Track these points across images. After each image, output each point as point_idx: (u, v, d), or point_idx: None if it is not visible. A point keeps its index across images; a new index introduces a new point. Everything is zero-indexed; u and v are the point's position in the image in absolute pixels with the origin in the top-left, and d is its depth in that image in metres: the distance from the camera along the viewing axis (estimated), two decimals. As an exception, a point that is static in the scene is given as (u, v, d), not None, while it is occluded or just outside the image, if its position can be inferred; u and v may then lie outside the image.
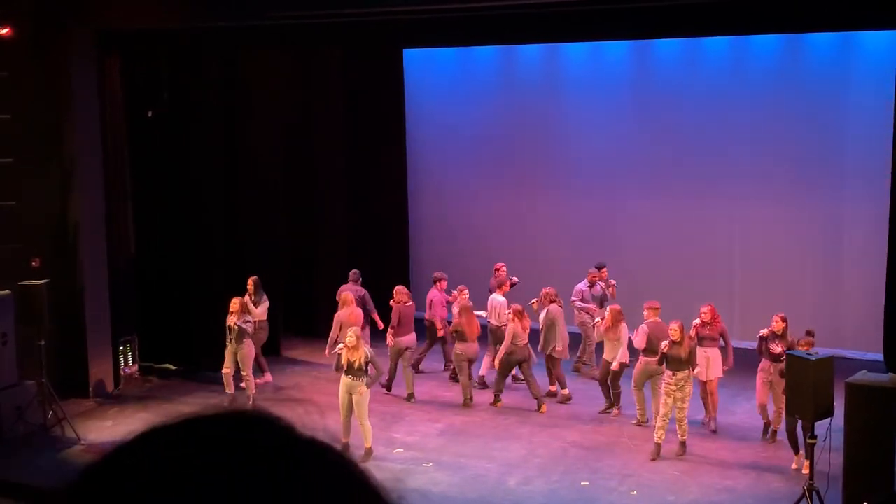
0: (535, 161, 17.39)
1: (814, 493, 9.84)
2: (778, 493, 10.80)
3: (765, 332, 11.85)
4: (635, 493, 10.88)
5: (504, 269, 14.90)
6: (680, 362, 11.50)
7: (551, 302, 13.57)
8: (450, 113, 17.91)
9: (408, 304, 14.00)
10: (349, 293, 13.98)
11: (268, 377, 14.41)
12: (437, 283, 14.83)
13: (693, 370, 11.80)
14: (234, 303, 13.19)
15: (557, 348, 13.45)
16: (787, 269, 15.67)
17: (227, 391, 13.34)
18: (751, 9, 13.13)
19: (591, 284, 14.47)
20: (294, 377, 15.07)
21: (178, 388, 14.41)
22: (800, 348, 10.93)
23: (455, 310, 13.88)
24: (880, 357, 14.16)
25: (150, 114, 15.45)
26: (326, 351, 13.55)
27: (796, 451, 11.27)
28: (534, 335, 13.66)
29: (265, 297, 14.18)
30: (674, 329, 11.60)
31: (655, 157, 16.52)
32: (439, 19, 14.31)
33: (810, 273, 15.60)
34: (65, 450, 12.38)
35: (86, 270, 14.04)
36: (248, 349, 13.24)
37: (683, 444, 11.75)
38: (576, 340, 14.59)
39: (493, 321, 13.95)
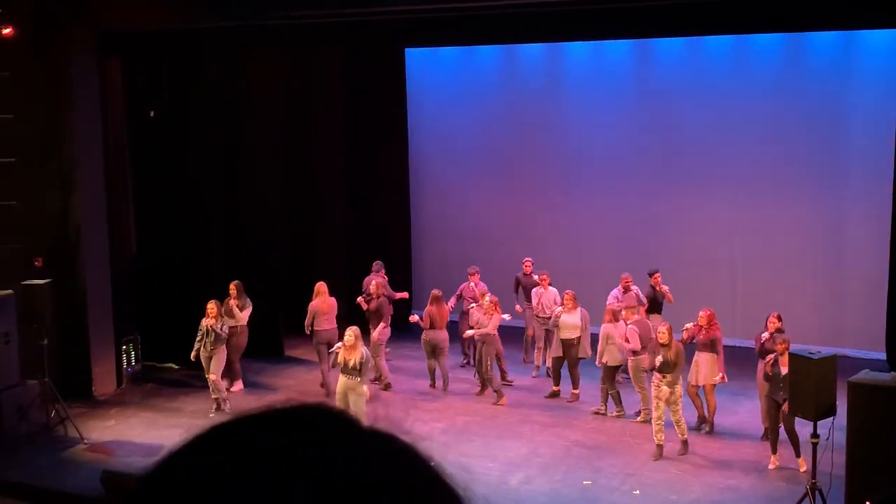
0: (536, 160, 17.38)
1: (816, 492, 9.84)
2: (780, 493, 10.79)
3: (766, 335, 11.81)
4: (637, 492, 10.88)
5: (530, 264, 15.13)
6: (667, 365, 11.46)
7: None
8: (451, 112, 17.91)
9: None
10: (323, 284, 14.24)
11: (238, 385, 14.14)
12: (471, 278, 15.02)
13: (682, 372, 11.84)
14: (212, 307, 13.06)
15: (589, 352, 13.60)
16: (789, 268, 15.66)
17: (222, 395, 13.31)
18: (753, 8, 13.11)
19: (626, 290, 14.29)
20: (296, 375, 15.06)
21: (180, 388, 14.40)
22: (779, 348, 10.95)
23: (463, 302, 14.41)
24: (883, 356, 14.16)
25: (152, 114, 15.45)
26: (306, 329, 13.97)
27: (774, 451, 11.36)
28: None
29: (249, 301, 14.04)
30: (662, 332, 11.57)
31: (657, 156, 16.51)
32: (441, 18, 14.30)
33: (813, 272, 15.58)
34: (67, 449, 12.38)
35: (88, 270, 14.05)
36: (222, 354, 13.15)
37: (685, 443, 11.75)
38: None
39: (540, 314, 14.29)
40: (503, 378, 14.17)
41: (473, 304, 14.19)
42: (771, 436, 11.44)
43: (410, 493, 1.03)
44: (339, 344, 11.95)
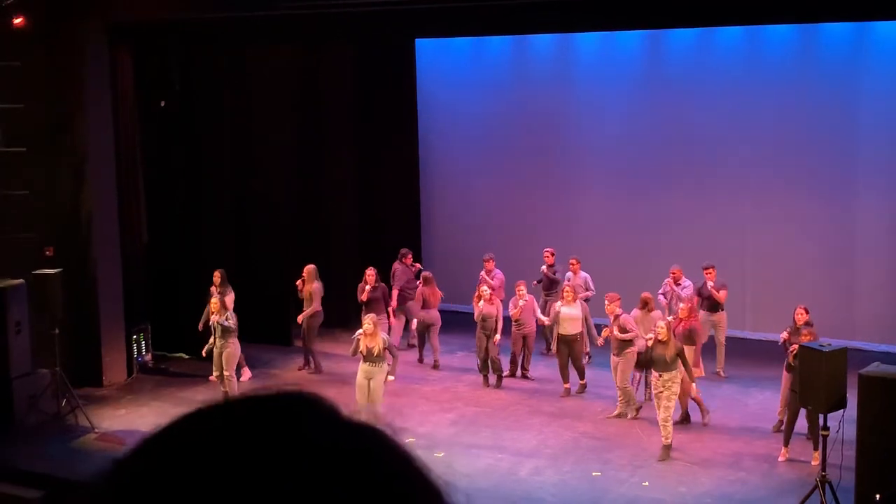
0: (547, 152, 17.34)
1: (826, 485, 9.82)
2: (790, 485, 10.78)
3: (786, 333, 11.78)
4: (647, 484, 10.87)
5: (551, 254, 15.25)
6: (665, 363, 11.32)
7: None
8: (462, 103, 17.87)
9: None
10: (313, 266, 14.59)
11: (247, 374, 14.15)
12: (486, 264, 15.17)
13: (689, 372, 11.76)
14: (214, 302, 13.03)
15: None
16: (799, 261, 15.60)
17: (221, 390, 13.32)
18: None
19: (676, 283, 14.21)
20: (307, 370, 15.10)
21: (190, 377, 14.44)
22: (803, 338, 10.90)
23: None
24: (894, 349, 14.12)
25: (162, 104, 15.47)
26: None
27: (786, 443, 11.35)
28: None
29: (230, 289, 14.04)
30: (661, 328, 11.45)
31: (668, 148, 16.46)
32: (452, 9, 14.26)
33: (824, 264, 15.53)
34: (78, 438, 12.44)
35: (99, 259, 14.09)
36: (234, 348, 13.09)
37: (667, 448, 11.45)
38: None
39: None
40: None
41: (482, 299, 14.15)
42: (786, 428, 11.39)
43: (390, 486, 0.99)
44: (359, 332, 12.00)
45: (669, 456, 11.44)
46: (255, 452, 0.97)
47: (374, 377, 11.91)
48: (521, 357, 14.18)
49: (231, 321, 12.98)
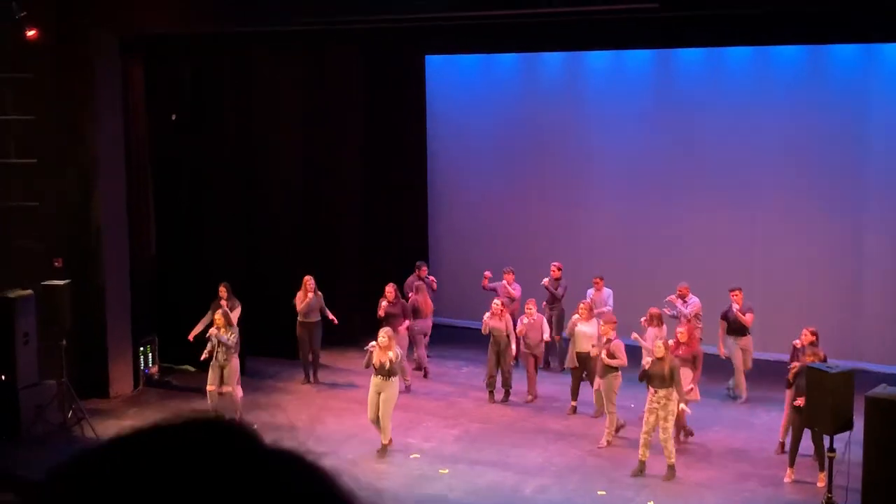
0: (555, 169, 17.37)
1: (832, 506, 9.80)
2: (796, 506, 10.75)
3: (797, 342, 11.77)
4: (652, 503, 10.85)
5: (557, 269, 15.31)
6: (662, 380, 11.27)
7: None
8: (470, 120, 17.92)
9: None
10: (311, 278, 14.77)
11: (238, 391, 13.89)
12: (505, 277, 15.34)
13: (684, 392, 11.72)
14: (218, 317, 13.04)
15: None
16: (808, 281, 15.58)
17: (237, 406, 13.30)
18: (774, 19, 13.10)
19: (682, 298, 14.28)
20: (322, 376, 15.09)
21: (196, 390, 14.44)
22: (808, 359, 10.88)
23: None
24: (901, 370, 14.08)
25: (173, 117, 15.54)
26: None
27: (791, 464, 11.30)
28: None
29: (238, 302, 14.07)
30: (658, 346, 11.43)
31: (676, 167, 16.48)
32: (461, 26, 14.33)
33: (831, 285, 15.51)
34: (84, 450, 12.41)
35: (107, 271, 14.13)
36: (235, 363, 13.11)
37: (672, 467, 11.43)
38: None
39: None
40: (506, 393, 14.17)
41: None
42: (791, 448, 11.36)
43: None
44: (373, 344, 12.00)
45: (675, 475, 11.41)
46: (170, 486, 0.95)
47: (384, 391, 11.92)
48: (536, 373, 14.08)
49: (233, 338, 12.98)
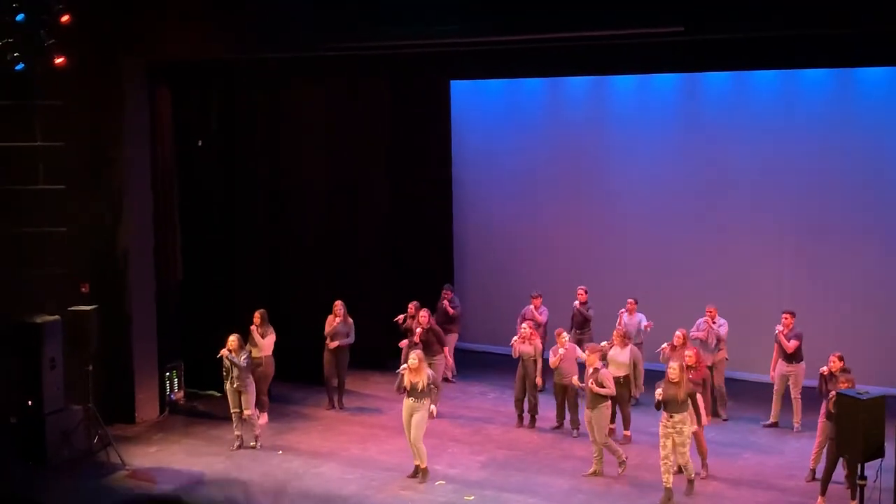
0: (580, 194, 17.32)
1: (864, 535, 9.63)
2: (827, 535, 10.58)
3: (825, 369, 11.61)
4: (680, 531, 10.70)
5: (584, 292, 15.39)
6: (677, 404, 11.15)
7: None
8: (496, 144, 17.92)
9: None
10: (341, 303, 14.77)
11: (263, 419, 13.91)
12: (533, 301, 15.37)
13: (701, 417, 11.61)
14: (232, 339, 13.03)
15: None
16: (838, 306, 15.42)
17: (235, 433, 13.33)
18: (800, 43, 13.02)
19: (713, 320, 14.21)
20: (346, 402, 15.06)
21: (221, 416, 14.44)
22: (841, 385, 10.72)
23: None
24: (933, 397, 13.86)
25: (200, 143, 15.62)
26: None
27: (823, 493, 11.14)
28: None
29: (272, 329, 14.04)
30: (673, 368, 11.26)
31: (702, 191, 16.39)
32: (487, 52, 14.34)
33: (861, 309, 15.33)
34: (109, 475, 12.44)
35: (134, 297, 14.18)
36: (251, 388, 13.12)
37: (691, 482, 11.45)
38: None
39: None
40: (532, 419, 14.06)
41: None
42: (823, 477, 11.18)
43: None
44: (404, 366, 12.00)
45: (694, 489, 11.41)
46: None
47: (416, 412, 11.90)
48: (564, 408, 13.84)
49: (243, 359, 12.98)
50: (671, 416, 11.19)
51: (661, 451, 11.34)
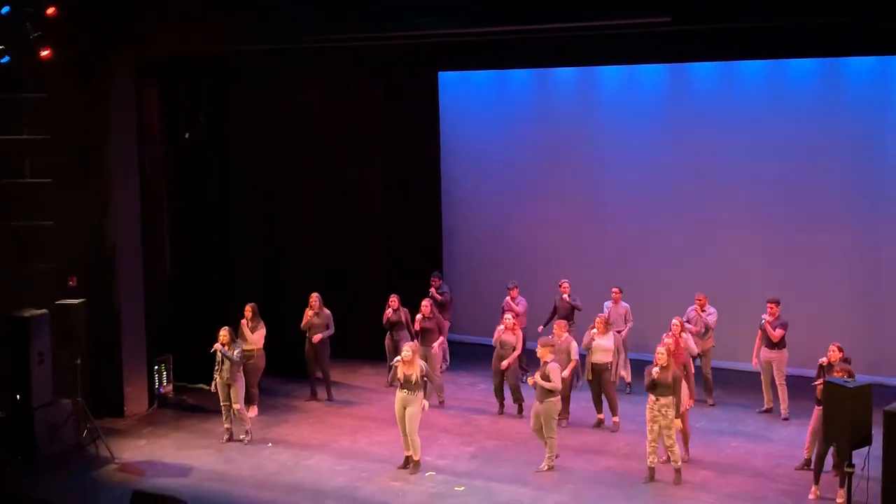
0: (568, 184, 17.34)
1: (852, 522, 9.68)
2: (815, 523, 10.64)
3: (823, 360, 11.66)
4: (669, 520, 10.76)
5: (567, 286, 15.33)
6: (665, 387, 11.36)
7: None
8: (484, 135, 17.92)
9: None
10: (316, 295, 14.71)
11: (253, 411, 13.94)
12: (510, 293, 15.43)
13: (683, 400, 11.72)
14: (223, 332, 13.02)
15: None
16: (825, 295, 15.48)
17: (224, 425, 13.31)
18: (787, 32, 13.05)
19: (702, 309, 14.31)
20: (336, 394, 15.07)
21: (211, 409, 14.44)
22: (836, 375, 10.77)
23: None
24: (920, 385, 13.96)
25: (187, 136, 15.58)
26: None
27: (816, 481, 11.20)
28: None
29: (262, 324, 14.04)
30: (661, 353, 11.46)
31: (691, 180, 16.42)
32: (474, 42, 14.34)
33: (849, 298, 15.40)
34: (98, 469, 12.44)
35: (122, 290, 14.15)
36: (241, 382, 13.12)
37: (678, 471, 11.55)
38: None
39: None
40: (520, 407, 14.08)
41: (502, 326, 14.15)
42: (815, 465, 11.24)
43: None
44: (397, 359, 12.03)
45: (681, 479, 11.48)
46: None
47: (409, 405, 11.92)
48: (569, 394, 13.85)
49: (236, 353, 12.97)
50: (657, 399, 11.40)
51: (648, 434, 11.54)
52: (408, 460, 12.12)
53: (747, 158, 15.92)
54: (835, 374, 10.88)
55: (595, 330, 13.53)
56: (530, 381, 12.27)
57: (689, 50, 14.56)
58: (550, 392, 11.95)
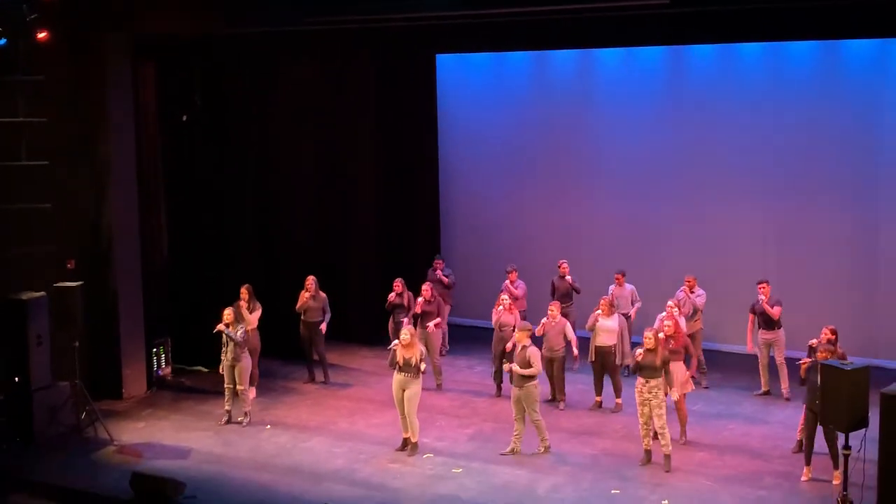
0: (567, 166, 17.33)
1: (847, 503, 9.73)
2: (811, 504, 10.69)
3: (814, 341, 11.69)
4: (666, 502, 10.80)
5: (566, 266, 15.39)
6: (654, 370, 11.44)
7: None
8: (482, 118, 17.89)
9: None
10: (312, 278, 14.73)
11: (252, 393, 13.82)
12: (509, 276, 15.46)
13: (670, 385, 11.78)
14: (228, 313, 13.07)
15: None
16: (822, 277, 15.50)
17: (225, 407, 13.34)
18: (786, 14, 13.01)
19: (691, 291, 14.37)
20: (334, 376, 15.09)
21: (209, 391, 14.47)
22: (819, 356, 10.84)
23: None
24: (917, 367, 14.00)
25: (184, 118, 15.55)
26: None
27: (808, 462, 11.28)
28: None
29: (258, 304, 14.08)
30: (648, 337, 11.51)
31: (688, 163, 16.41)
32: (472, 25, 14.29)
33: (846, 281, 15.42)
34: (97, 451, 12.46)
35: (120, 272, 14.15)
36: (246, 362, 13.15)
37: (668, 457, 11.56)
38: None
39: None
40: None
41: (501, 306, 14.18)
42: (806, 446, 11.30)
43: None
44: (396, 342, 12.05)
45: (671, 467, 11.51)
46: None
47: (408, 387, 11.96)
48: (551, 384, 13.85)
49: (239, 333, 13.00)
50: (647, 382, 11.48)
51: (640, 417, 11.62)
52: (405, 442, 12.15)
53: (745, 141, 15.91)
54: (819, 355, 10.94)
55: (599, 311, 13.54)
56: (506, 367, 12.26)
57: (687, 32, 14.52)
58: (530, 378, 11.89)
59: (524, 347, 11.95)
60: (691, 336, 14.04)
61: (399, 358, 11.95)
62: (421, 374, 12.00)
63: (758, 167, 15.88)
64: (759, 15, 13.10)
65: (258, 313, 14.03)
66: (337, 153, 17.06)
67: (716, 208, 16.24)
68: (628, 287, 14.84)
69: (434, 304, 14.56)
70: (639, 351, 11.54)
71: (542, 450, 12.06)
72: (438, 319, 14.68)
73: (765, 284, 13.77)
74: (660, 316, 12.92)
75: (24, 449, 12.48)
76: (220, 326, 13.08)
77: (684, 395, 12.20)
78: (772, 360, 13.89)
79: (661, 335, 11.79)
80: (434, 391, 14.26)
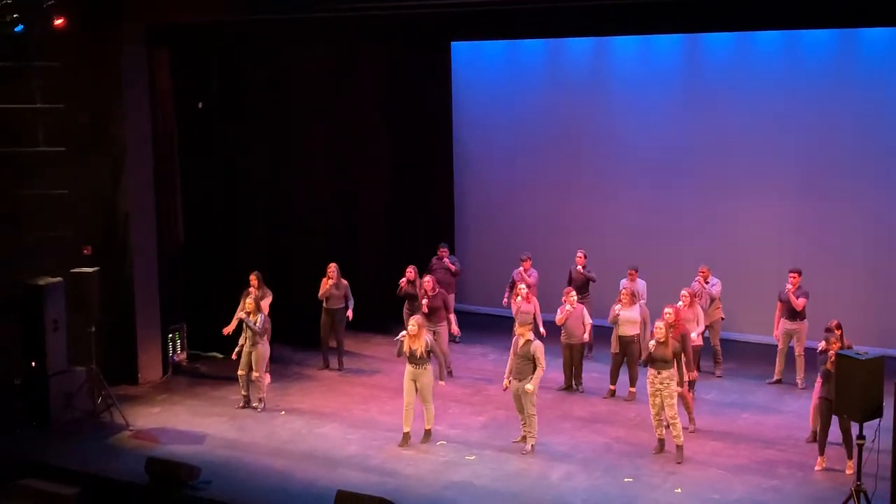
0: (582, 155, 17.30)
1: (861, 494, 9.72)
2: (824, 494, 10.68)
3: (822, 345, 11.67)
4: (679, 490, 10.81)
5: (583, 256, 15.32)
6: (665, 361, 11.45)
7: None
8: (497, 106, 17.87)
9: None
10: (334, 265, 14.78)
11: (266, 378, 13.75)
12: (523, 264, 15.41)
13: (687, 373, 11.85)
14: (249, 302, 13.14)
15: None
16: (838, 267, 15.45)
17: (241, 392, 13.40)
18: (804, 2, 12.93)
19: (706, 281, 14.31)
20: (348, 363, 15.14)
21: (224, 377, 14.54)
22: (821, 345, 10.86)
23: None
24: (932, 357, 13.93)
25: (200, 105, 15.57)
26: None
27: (821, 452, 11.27)
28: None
29: (269, 291, 14.15)
30: (659, 328, 11.52)
31: (704, 153, 16.36)
32: (487, 12, 14.25)
33: (860, 271, 15.37)
34: (113, 436, 12.55)
35: (136, 258, 14.22)
36: (263, 349, 13.20)
37: (680, 448, 11.56)
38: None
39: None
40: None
41: (520, 296, 14.17)
42: (820, 436, 11.29)
43: None
44: (403, 333, 12.07)
45: (683, 458, 11.50)
46: None
47: (419, 378, 11.98)
48: (570, 371, 13.92)
49: (258, 324, 13.05)
50: (658, 373, 11.50)
51: (652, 408, 11.65)
52: (406, 437, 12.11)
53: (762, 130, 15.85)
54: (830, 345, 10.96)
55: (619, 305, 13.54)
56: (504, 383, 12.07)
57: (703, 20, 14.43)
58: (532, 370, 11.75)
59: (527, 341, 11.83)
60: (710, 326, 14.06)
61: (406, 349, 11.96)
62: (430, 362, 12.00)
63: (775, 157, 15.82)
64: (776, 2, 13.02)
65: (268, 300, 14.07)
66: (352, 140, 17.07)
67: (732, 197, 16.19)
68: (640, 283, 14.77)
69: (439, 297, 14.42)
70: (652, 343, 11.56)
71: (529, 448, 11.89)
72: (451, 315, 14.60)
73: (795, 274, 13.69)
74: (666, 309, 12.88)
75: (39, 433, 12.58)
76: (241, 315, 13.14)
77: (686, 382, 12.08)
78: (791, 350, 13.85)
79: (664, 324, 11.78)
80: (446, 379, 14.26)
